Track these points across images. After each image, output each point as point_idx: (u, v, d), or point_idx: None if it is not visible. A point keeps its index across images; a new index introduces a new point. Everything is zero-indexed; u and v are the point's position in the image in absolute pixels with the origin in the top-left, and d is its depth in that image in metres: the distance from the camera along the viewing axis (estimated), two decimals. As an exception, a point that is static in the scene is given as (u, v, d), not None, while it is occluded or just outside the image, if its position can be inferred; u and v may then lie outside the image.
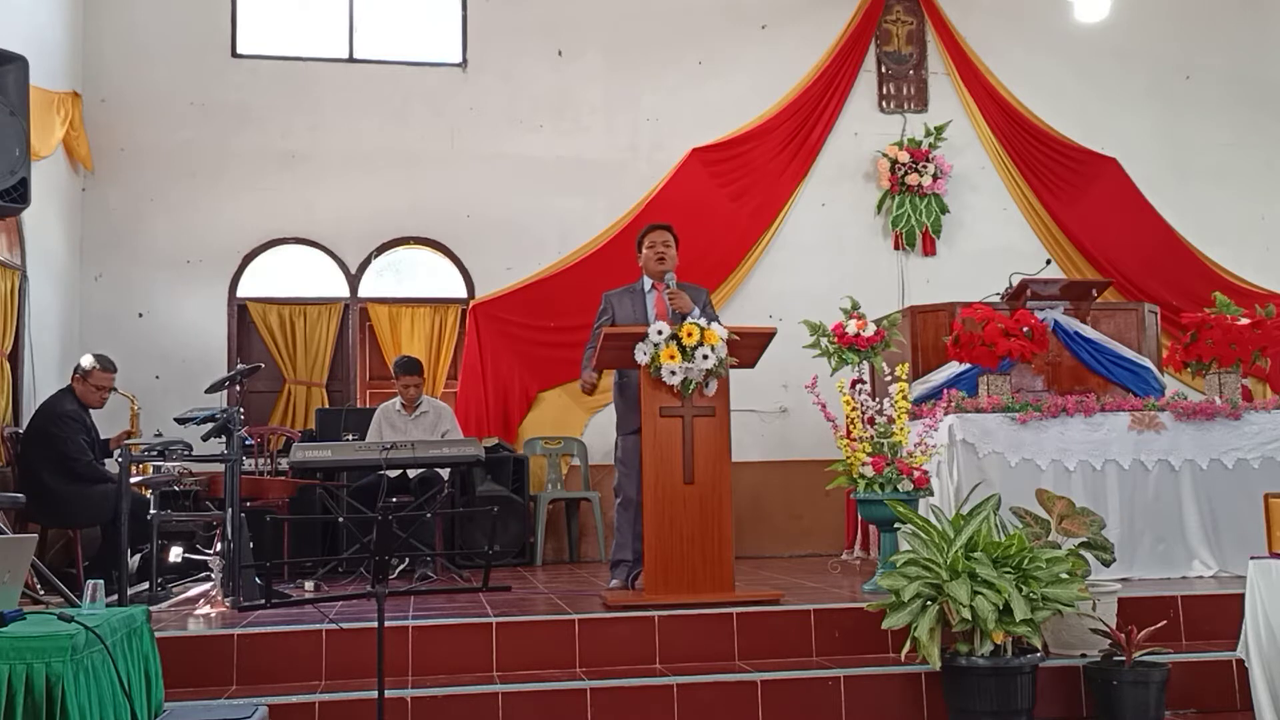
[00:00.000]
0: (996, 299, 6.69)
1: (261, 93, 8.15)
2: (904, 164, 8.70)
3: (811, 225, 8.65)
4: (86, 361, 6.35)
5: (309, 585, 6.03)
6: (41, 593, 5.48)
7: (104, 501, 6.03)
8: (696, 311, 5.13)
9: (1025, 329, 5.87)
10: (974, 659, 3.92)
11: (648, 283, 5.56)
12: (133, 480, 5.63)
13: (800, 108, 8.68)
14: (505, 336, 8.11)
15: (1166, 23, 9.22)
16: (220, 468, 5.78)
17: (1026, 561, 3.99)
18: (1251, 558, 3.85)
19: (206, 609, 5.13)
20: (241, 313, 8.06)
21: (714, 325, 4.82)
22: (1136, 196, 8.94)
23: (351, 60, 8.37)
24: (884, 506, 4.98)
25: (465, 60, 8.47)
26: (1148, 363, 6.58)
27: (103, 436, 6.44)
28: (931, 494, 5.34)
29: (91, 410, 6.38)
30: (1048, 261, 7.82)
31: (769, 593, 4.93)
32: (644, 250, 5.54)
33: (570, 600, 5.20)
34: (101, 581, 3.34)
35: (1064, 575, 4.03)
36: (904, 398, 5.37)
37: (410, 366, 6.91)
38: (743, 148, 8.57)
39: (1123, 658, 4.10)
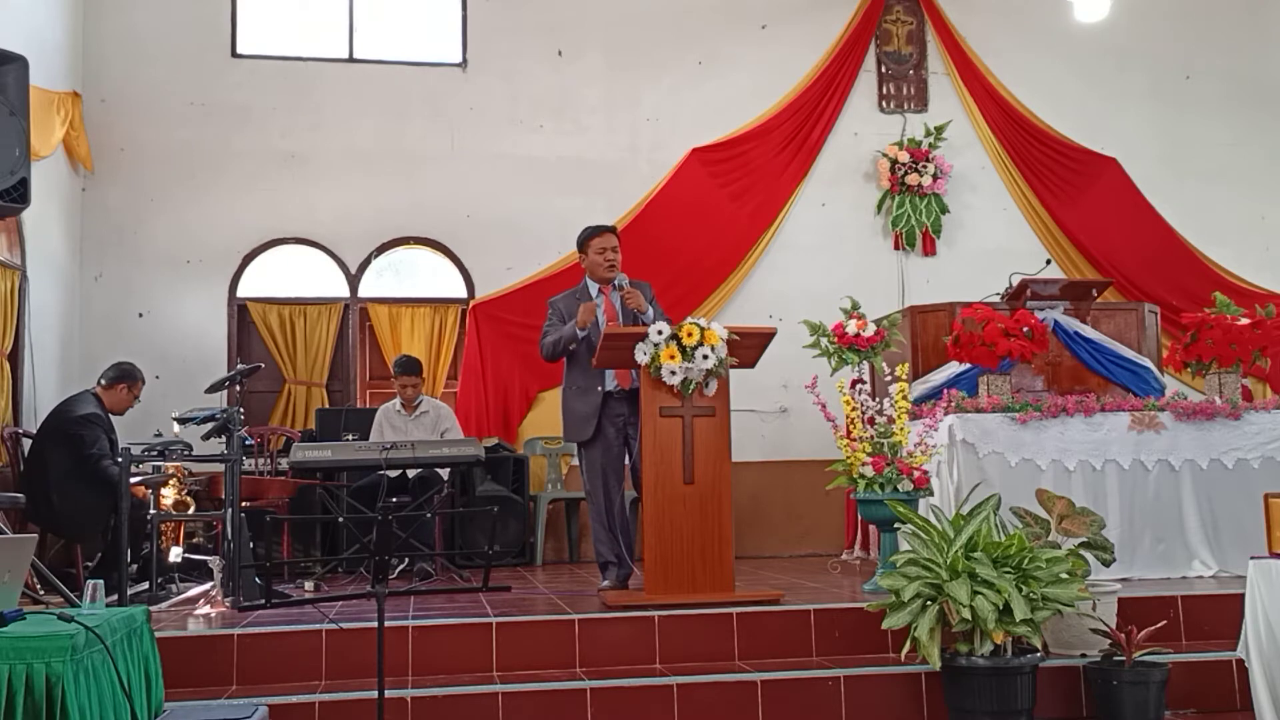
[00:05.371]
0: (996, 299, 6.69)
1: (261, 93, 8.15)
2: (904, 164, 8.70)
3: (811, 225, 8.65)
4: (124, 370, 6.26)
5: (309, 585, 6.03)
6: (41, 593, 5.47)
7: (103, 510, 5.95)
8: (649, 311, 5.26)
9: (1025, 329, 5.87)
10: (974, 659, 3.92)
11: (594, 287, 5.50)
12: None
13: (800, 108, 8.67)
14: (505, 336, 8.10)
15: (1166, 23, 9.22)
16: (220, 468, 5.78)
17: (1026, 561, 3.99)
18: (1251, 558, 3.84)
19: (206, 609, 5.14)
20: (241, 313, 8.06)
21: (713, 325, 4.82)
22: (1136, 196, 8.94)
23: (351, 60, 8.37)
24: (884, 506, 4.97)
25: (465, 60, 8.47)
26: (1148, 363, 6.58)
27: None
28: (931, 494, 5.34)
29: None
30: (1048, 261, 7.82)
31: (769, 593, 4.93)
32: (590, 255, 5.44)
33: (570, 600, 5.19)
34: (101, 581, 3.33)
35: (1064, 575, 4.03)
36: (904, 398, 5.36)
37: (409, 366, 6.95)
38: (742, 148, 8.57)
39: (1123, 658, 4.10)
